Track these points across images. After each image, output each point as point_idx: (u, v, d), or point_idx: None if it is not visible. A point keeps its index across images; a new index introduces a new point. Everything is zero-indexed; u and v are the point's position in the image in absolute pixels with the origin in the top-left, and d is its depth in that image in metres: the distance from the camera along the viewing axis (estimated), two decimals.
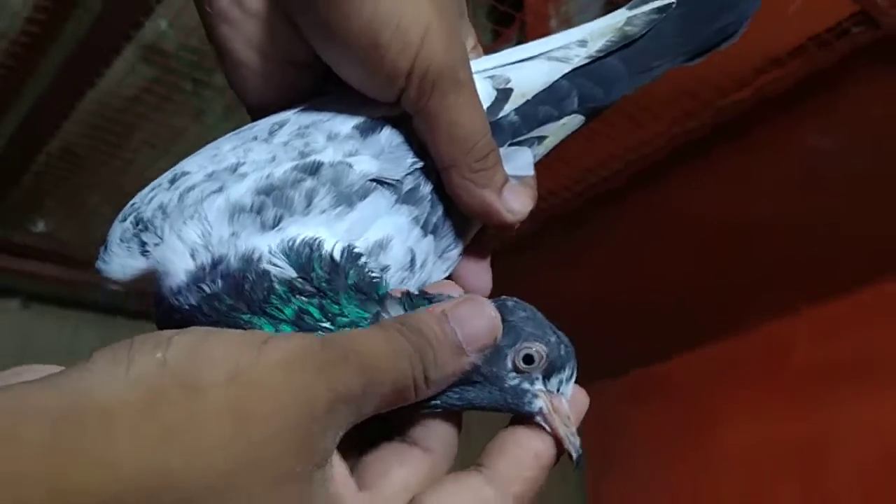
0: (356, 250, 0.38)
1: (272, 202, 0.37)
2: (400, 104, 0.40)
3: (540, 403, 0.37)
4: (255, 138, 0.41)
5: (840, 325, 1.55)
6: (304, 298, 0.36)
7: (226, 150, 0.40)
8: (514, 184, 0.42)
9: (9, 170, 1.27)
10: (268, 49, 0.41)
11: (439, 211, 0.41)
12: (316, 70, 0.42)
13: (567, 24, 1.33)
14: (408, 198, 0.40)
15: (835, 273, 1.51)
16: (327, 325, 0.36)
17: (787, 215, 1.43)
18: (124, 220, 0.38)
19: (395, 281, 0.39)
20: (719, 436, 1.69)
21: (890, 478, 1.43)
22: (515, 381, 0.37)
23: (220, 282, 0.36)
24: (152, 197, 0.38)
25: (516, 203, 0.41)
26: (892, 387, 1.46)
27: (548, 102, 0.43)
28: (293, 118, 0.41)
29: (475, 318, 0.36)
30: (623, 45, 0.44)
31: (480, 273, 0.45)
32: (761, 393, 1.65)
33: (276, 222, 0.37)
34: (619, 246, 1.49)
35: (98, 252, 0.39)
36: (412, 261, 0.40)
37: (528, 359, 0.36)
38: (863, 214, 1.39)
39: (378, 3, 0.37)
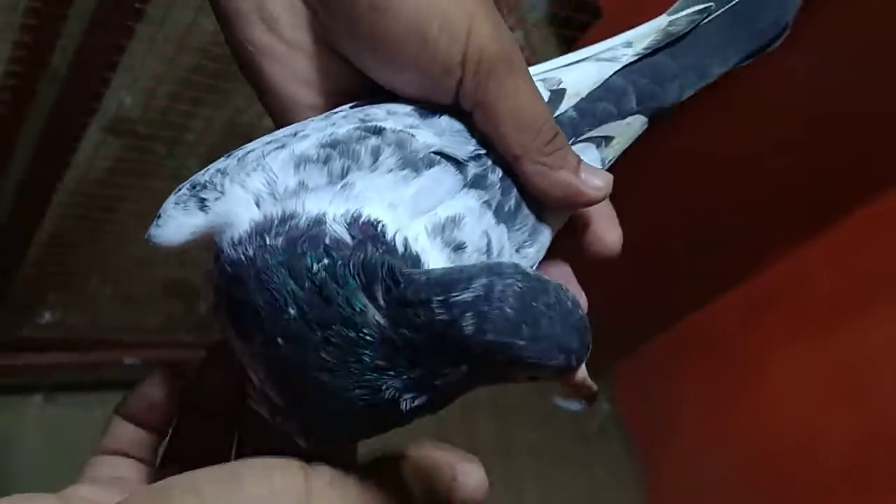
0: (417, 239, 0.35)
1: (338, 154, 0.36)
2: (458, 102, 0.39)
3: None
4: (312, 119, 0.39)
5: (857, 242, 1.54)
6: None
7: (280, 131, 0.38)
8: (587, 164, 0.40)
9: (3, 268, 1.26)
10: (315, 81, 0.40)
11: (511, 201, 0.39)
12: (363, 96, 0.41)
13: (522, 22, 1.33)
14: (475, 183, 0.38)
15: (841, 190, 1.50)
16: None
17: (781, 142, 1.41)
18: (179, 190, 0.36)
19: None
20: (766, 376, 1.67)
21: None
22: None
23: (282, 239, 0.33)
24: (208, 169, 0.36)
25: (596, 180, 0.40)
26: None
27: (605, 99, 0.43)
28: (347, 108, 0.40)
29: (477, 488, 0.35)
30: (668, 44, 0.44)
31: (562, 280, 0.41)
32: (798, 324, 1.63)
33: (344, 173, 0.35)
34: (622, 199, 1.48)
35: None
36: (488, 245, 0.37)
37: (534, 377, 0.33)
38: (852, 127, 1.38)
39: (418, 1, 0.36)
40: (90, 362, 1.39)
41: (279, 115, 0.41)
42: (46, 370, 1.38)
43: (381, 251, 0.33)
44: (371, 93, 0.40)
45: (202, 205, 0.35)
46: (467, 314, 0.29)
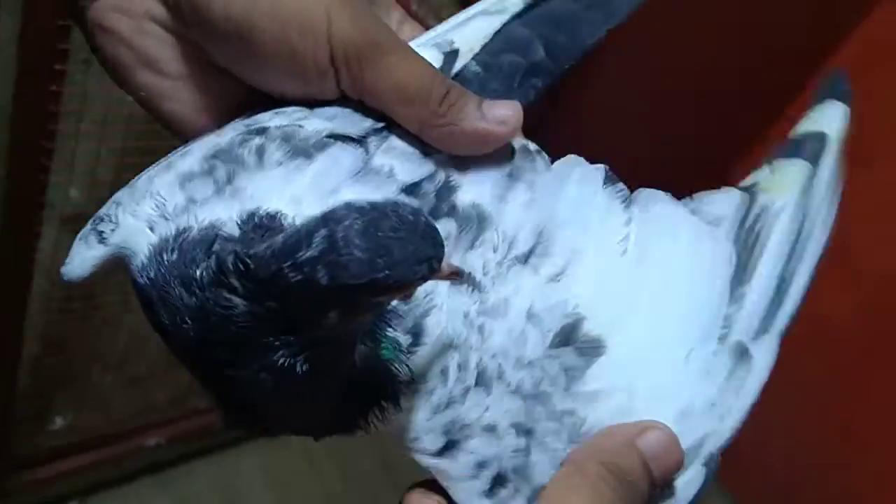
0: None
1: (221, 162, 0.36)
2: (349, 97, 0.39)
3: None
4: (206, 136, 0.39)
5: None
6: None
7: (173, 152, 0.39)
8: (488, 101, 0.40)
9: (3, 387, 1.23)
10: (209, 105, 0.41)
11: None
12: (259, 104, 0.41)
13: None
14: (384, 154, 0.39)
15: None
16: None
17: None
18: (87, 226, 0.37)
19: None
20: None
21: None
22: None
23: (176, 253, 0.34)
24: (110, 201, 0.38)
25: (502, 111, 0.39)
26: None
27: (511, 51, 0.43)
28: (237, 120, 0.40)
29: (664, 448, 0.35)
30: None
31: None
32: None
33: (230, 179, 0.36)
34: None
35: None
36: None
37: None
38: None
39: (275, 6, 0.37)
40: (115, 456, 1.37)
41: (185, 140, 0.41)
42: (73, 475, 1.35)
43: (233, 244, 0.33)
44: (265, 101, 0.40)
45: (100, 237, 0.36)
46: (318, 267, 0.29)
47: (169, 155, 0.39)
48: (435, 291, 0.37)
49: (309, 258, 0.29)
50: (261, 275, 0.30)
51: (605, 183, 0.41)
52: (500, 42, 0.43)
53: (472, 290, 0.37)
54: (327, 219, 0.30)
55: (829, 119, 0.43)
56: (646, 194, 0.42)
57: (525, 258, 0.38)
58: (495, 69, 0.43)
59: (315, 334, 0.31)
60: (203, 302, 0.32)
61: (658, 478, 0.35)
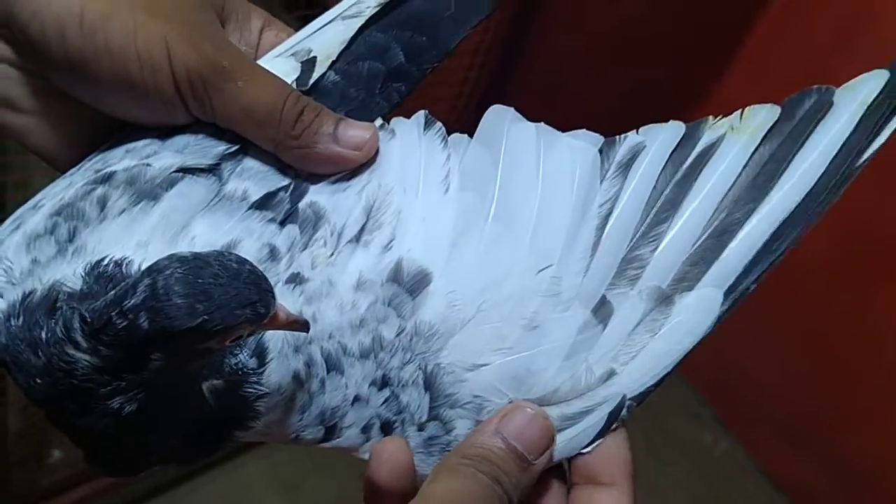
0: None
1: (64, 219, 0.37)
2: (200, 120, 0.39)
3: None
4: (64, 176, 0.40)
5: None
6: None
7: (38, 194, 0.40)
8: (346, 119, 0.40)
9: None
10: (69, 134, 0.41)
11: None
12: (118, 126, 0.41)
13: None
14: (262, 204, 0.39)
15: None
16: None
17: None
18: None
19: None
20: None
21: None
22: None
23: (21, 318, 0.35)
24: None
25: (356, 134, 0.40)
26: None
27: (368, 58, 0.43)
28: (100, 150, 0.40)
29: (527, 426, 0.36)
30: None
31: None
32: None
33: (72, 236, 0.36)
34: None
35: None
36: (272, 253, 0.38)
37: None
38: None
39: (109, 42, 0.36)
40: (114, 484, 1.36)
41: (61, 171, 0.42)
42: None
43: (110, 292, 0.34)
44: (125, 124, 0.41)
45: None
46: (141, 314, 0.31)
47: (20, 210, 0.39)
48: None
49: (132, 305, 0.31)
50: (95, 325, 0.32)
51: (424, 129, 0.42)
52: (359, 48, 0.43)
53: (294, 287, 0.38)
54: (151, 269, 0.32)
55: (861, 83, 0.41)
56: (491, 121, 0.42)
57: (357, 238, 0.39)
58: (355, 77, 0.43)
59: (145, 377, 0.33)
60: (48, 360, 0.33)
61: (529, 450, 0.36)
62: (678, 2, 1.41)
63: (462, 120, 1.33)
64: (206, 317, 0.31)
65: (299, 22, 1.26)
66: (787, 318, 1.60)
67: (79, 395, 0.33)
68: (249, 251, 0.38)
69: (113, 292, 0.32)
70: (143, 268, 0.34)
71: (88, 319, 0.32)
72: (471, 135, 0.42)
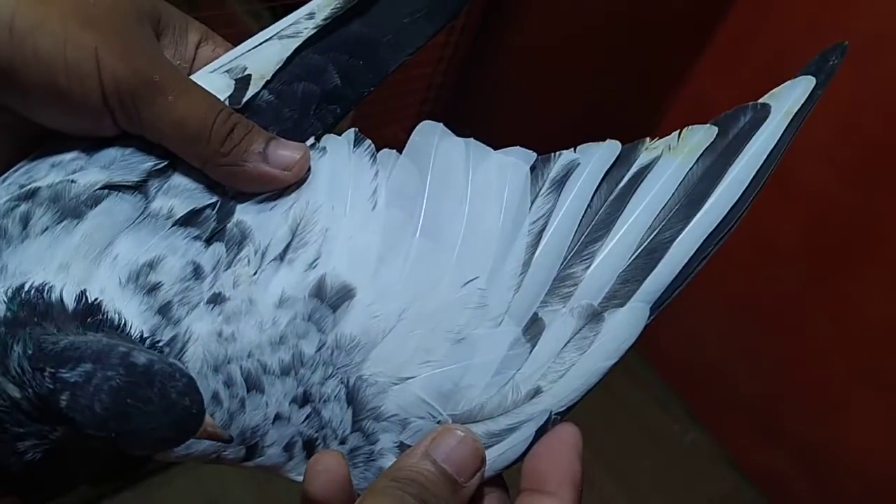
0: (93, 296, 0.36)
1: None
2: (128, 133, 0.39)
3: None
4: None
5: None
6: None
7: None
8: (277, 139, 0.40)
9: None
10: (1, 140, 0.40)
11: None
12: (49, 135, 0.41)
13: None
14: (186, 220, 0.39)
15: None
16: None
17: None
18: None
19: (175, 294, 0.38)
20: None
21: None
22: None
23: None
24: None
25: (285, 154, 0.40)
26: None
27: (304, 79, 0.43)
28: (25, 161, 0.40)
29: (457, 448, 0.36)
30: (356, 11, 0.44)
31: None
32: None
33: None
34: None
35: None
36: (196, 271, 0.38)
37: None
38: None
39: (38, 51, 0.36)
40: None
41: None
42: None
43: (32, 319, 0.34)
44: (51, 131, 0.40)
45: None
46: (65, 393, 0.31)
47: None
48: (185, 323, 0.38)
49: (63, 379, 0.31)
50: (32, 364, 0.32)
51: (354, 146, 0.42)
52: (295, 69, 0.43)
53: (214, 307, 0.38)
54: (101, 356, 0.32)
55: (786, 92, 0.42)
56: (420, 137, 0.42)
57: (282, 257, 0.39)
58: (289, 97, 0.43)
59: (50, 436, 0.33)
60: None
61: (458, 472, 0.36)
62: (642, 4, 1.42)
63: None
64: (113, 434, 0.31)
65: (269, 12, 1.27)
66: (755, 308, 1.61)
67: None
68: (173, 268, 0.38)
69: (61, 347, 0.32)
70: (65, 292, 0.35)
71: (28, 354, 0.32)
72: None
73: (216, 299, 0.38)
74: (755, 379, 1.63)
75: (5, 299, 0.35)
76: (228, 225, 0.39)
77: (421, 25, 0.45)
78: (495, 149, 0.43)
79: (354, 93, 0.44)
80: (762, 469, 1.67)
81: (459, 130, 0.43)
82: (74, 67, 0.37)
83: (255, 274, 0.39)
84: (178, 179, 0.40)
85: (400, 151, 0.43)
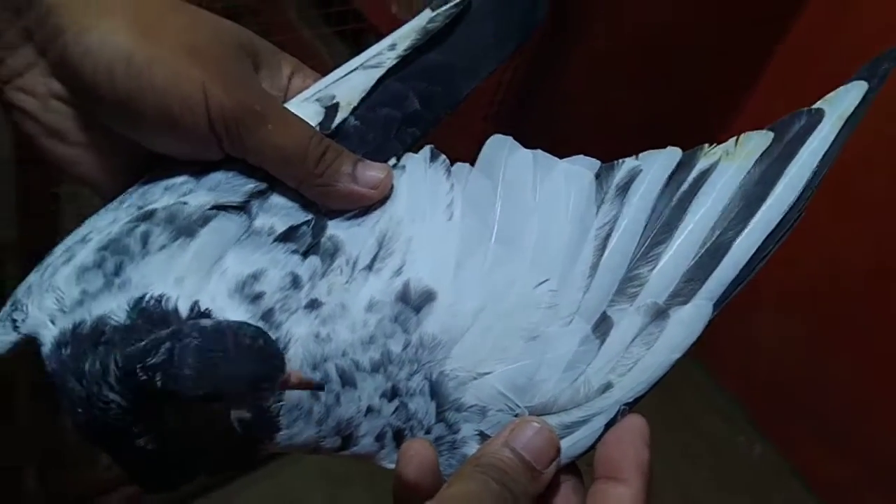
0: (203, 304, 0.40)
1: (111, 253, 0.41)
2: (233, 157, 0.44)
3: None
4: (108, 209, 0.45)
5: None
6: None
7: (84, 224, 0.44)
8: (363, 160, 0.45)
9: (50, 434, 1.27)
10: (112, 165, 0.45)
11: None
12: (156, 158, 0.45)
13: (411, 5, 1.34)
14: (286, 236, 0.43)
15: None
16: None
17: None
18: (7, 303, 0.43)
19: (276, 302, 0.41)
20: None
21: None
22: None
23: (70, 347, 0.39)
24: (25, 281, 0.43)
25: (372, 174, 0.44)
26: None
27: (386, 105, 0.47)
28: (140, 184, 0.45)
29: (534, 438, 0.39)
30: (433, 41, 0.48)
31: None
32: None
33: (118, 270, 0.41)
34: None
35: None
36: (295, 281, 0.42)
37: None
38: None
39: (153, 84, 0.40)
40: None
41: (105, 199, 0.46)
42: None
43: (146, 330, 0.38)
44: (162, 157, 0.45)
45: (14, 325, 0.41)
46: (157, 374, 0.34)
47: (75, 232, 0.44)
48: (286, 327, 0.42)
49: (152, 364, 0.34)
50: (124, 371, 0.35)
51: (430, 162, 0.46)
52: (378, 96, 0.47)
53: (311, 311, 0.42)
54: (174, 333, 0.35)
55: (840, 97, 0.44)
56: (490, 150, 0.45)
57: (370, 266, 0.43)
58: (373, 122, 0.47)
59: (166, 423, 0.37)
60: (89, 393, 0.37)
61: (536, 460, 0.39)
62: (705, 13, 1.42)
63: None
64: (209, 389, 0.34)
65: (338, 38, 1.31)
66: (820, 317, 1.60)
67: (112, 429, 0.37)
68: (274, 279, 0.42)
69: (142, 345, 0.35)
70: (180, 302, 0.39)
71: (119, 364, 0.36)
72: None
73: (313, 304, 0.42)
74: (821, 390, 1.62)
75: (127, 308, 0.39)
76: (322, 239, 0.43)
77: (493, 52, 0.49)
78: (559, 158, 0.46)
79: (432, 116, 0.48)
80: (830, 483, 1.66)
81: (523, 142, 0.46)
82: (185, 99, 0.41)
83: (346, 282, 0.43)
84: (277, 199, 0.44)
85: (471, 164, 0.46)
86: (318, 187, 0.43)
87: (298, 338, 0.41)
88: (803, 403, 1.65)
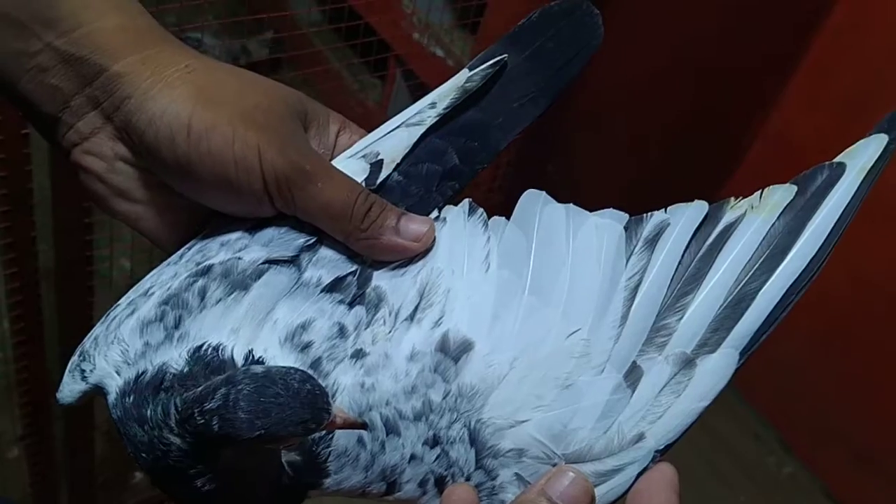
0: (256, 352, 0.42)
1: (171, 307, 0.44)
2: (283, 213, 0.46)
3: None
4: (169, 263, 0.47)
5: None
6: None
7: (146, 278, 0.47)
8: (407, 214, 0.47)
9: (83, 454, 1.30)
10: (173, 221, 0.48)
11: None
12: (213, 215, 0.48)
13: (427, 27, 1.36)
14: (332, 287, 0.45)
15: None
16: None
17: None
18: (76, 353, 0.45)
19: (324, 351, 0.43)
20: None
21: None
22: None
23: (133, 397, 0.41)
24: (91, 334, 0.45)
25: (415, 228, 0.46)
26: None
27: (427, 160, 0.50)
28: (198, 239, 0.48)
29: (570, 487, 0.41)
30: (471, 99, 0.50)
31: None
32: None
33: (177, 323, 0.43)
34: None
35: None
36: (341, 331, 0.44)
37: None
38: None
39: (211, 148, 0.43)
40: None
41: (165, 251, 0.49)
42: None
43: (205, 377, 0.40)
44: (219, 214, 0.47)
45: (83, 375, 0.44)
46: (214, 418, 0.36)
47: (138, 286, 0.46)
48: (333, 376, 0.43)
49: (209, 409, 0.36)
50: (183, 415, 0.38)
51: (468, 215, 0.48)
52: (419, 152, 0.49)
53: (356, 361, 0.44)
54: (228, 380, 0.37)
55: (861, 150, 0.45)
56: (525, 205, 0.47)
57: (412, 317, 0.45)
58: (415, 176, 0.49)
59: (221, 464, 0.39)
60: (151, 438, 0.39)
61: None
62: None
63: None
64: (262, 431, 0.36)
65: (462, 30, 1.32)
66: (849, 339, 1.59)
67: (173, 471, 0.39)
68: (322, 329, 0.44)
69: (199, 390, 0.37)
70: (235, 351, 0.41)
71: (179, 409, 0.38)
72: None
73: (358, 354, 0.44)
74: (850, 410, 1.61)
75: (186, 357, 0.42)
76: (367, 290, 0.45)
77: (528, 109, 0.51)
78: (587, 204, 0.47)
79: (470, 170, 0.50)
80: (859, 501, 1.64)
81: (552, 191, 0.47)
82: (241, 161, 0.43)
83: (389, 332, 0.44)
84: (325, 252, 0.46)
85: (488, 212, 0.48)
86: (363, 241, 0.45)
87: (345, 387, 0.43)
88: (833, 423, 1.64)
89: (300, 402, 0.37)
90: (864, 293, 1.53)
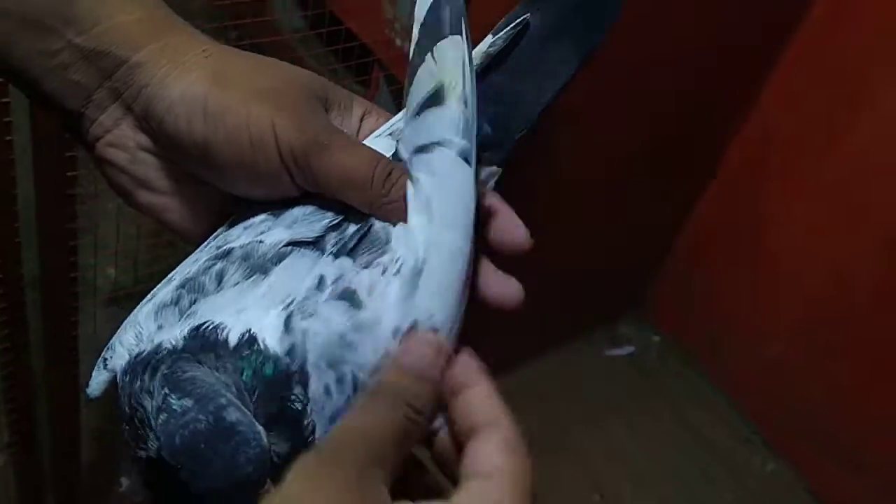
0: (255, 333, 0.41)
1: (187, 291, 0.43)
2: (307, 190, 0.46)
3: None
4: (194, 252, 0.46)
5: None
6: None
7: (175, 270, 0.46)
8: None
9: (68, 462, 1.30)
10: (198, 211, 0.48)
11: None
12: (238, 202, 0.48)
13: (408, 33, 1.35)
14: (340, 251, 0.44)
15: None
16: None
17: None
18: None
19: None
20: (783, 231, 1.67)
21: None
22: None
23: (128, 375, 0.40)
24: (122, 324, 0.44)
25: None
26: None
27: None
28: (223, 228, 0.47)
29: (416, 347, 0.41)
30: (497, 62, 0.49)
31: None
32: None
33: (192, 306, 0.42)
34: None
35: None
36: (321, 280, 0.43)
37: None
38: None
39: (227, 129, 0.43)
40: None
41: (192, 244, 0.48)
42: None
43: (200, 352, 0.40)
44: (242, 201, 0.47)
45: (105, 364, 0.43)
46: (163, 414, 0.37)
47: (161, 284, 0.45)
48: (316, 312, 0.42)
49: (169, 403, 0.37)
50: (160, 384, 0.38)
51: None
52: None
53: (350, 306, 0.42)
54: (203, 398, 0.36)
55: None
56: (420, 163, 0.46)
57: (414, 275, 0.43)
58: None
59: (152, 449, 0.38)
60: (132, 412, 0.39)
61: (415, 365, 0.41)
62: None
63: None
64: (178, 466, 0.35)
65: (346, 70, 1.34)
66: (833, 339, 1.60)
67: (146, 453, 0.38)
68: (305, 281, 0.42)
69: (190, 374, 0.37)
70: (232, 332, 0.40)
71: (166, 372, 0.38)
72: None
73: (349, 296, 0.42)
74: (835, 410, 1.62)
75: (185, 334, 0.41)
76: (375, 225, 0.44)
77: (557, 69, 0.49)
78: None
79: (507, 136, 0.49)
80: (843, 500, 1.66)
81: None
82: (256, 135, 0.43)
83: (387, 283, 0.43)
84: (351, 230, 0.45)
85: None
86: (386, 206, 0.44)
87: (319, 333, 0.42)
88: (817, 423, 1.65)
89: (230, 476, 0.36)
90: (846, 292, 1.54)
